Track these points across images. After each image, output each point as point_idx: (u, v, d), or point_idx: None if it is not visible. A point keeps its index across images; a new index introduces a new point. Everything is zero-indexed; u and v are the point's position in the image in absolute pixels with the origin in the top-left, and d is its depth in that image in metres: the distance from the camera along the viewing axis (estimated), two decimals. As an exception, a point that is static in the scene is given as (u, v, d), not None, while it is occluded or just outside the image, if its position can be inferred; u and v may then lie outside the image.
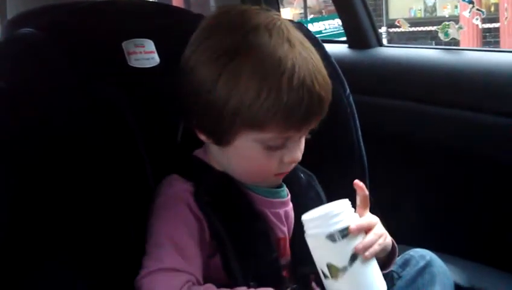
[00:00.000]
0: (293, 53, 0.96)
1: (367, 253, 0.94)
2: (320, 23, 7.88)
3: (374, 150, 1.39)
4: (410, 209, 1.77)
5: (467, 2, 1.95)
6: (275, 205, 1.07)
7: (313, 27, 7.25)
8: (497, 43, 8.84)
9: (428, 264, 1.09)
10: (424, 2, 10.71)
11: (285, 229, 1.07)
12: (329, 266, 0.94)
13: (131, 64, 1.12)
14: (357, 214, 0.99)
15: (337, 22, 7.08)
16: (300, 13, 10.49)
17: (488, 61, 1.76)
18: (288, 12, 9.87)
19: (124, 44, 1.12)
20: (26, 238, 0.94)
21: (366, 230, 0.98)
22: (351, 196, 1.06)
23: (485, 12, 2.07)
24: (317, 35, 1.33)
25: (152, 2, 1.54)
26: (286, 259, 1.06)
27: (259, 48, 0.96)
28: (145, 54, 1.14)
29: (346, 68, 1.36)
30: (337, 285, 0.94)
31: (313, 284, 1.08)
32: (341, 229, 0.94)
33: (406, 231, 1.41)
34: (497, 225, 1.63)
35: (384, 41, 2.14)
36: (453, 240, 1.64)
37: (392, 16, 10.27)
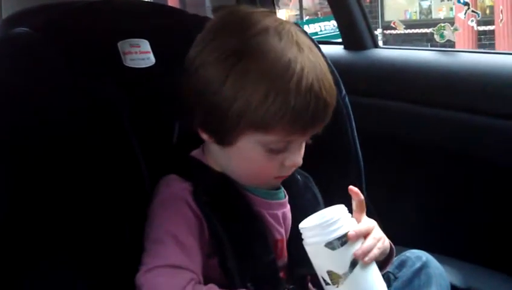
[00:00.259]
0: (301, 57, 0.96)
1: (366, 258, 0.95)
2: (316, 24, 7.90)
3: (370, 151, 1.39)
4: (407, 210, 1.77)
5: (462, 3, 1.95)
6: (273, 207, 1.06)
7: (308, 29, 7.27)
8: (492, 46, 8.86)
9: (424, 266, 1.09)
10: (420, 4, 10.74)
11: (282, 230, 1.07)
12: (330, 273, 0.94)
13: (126, 64, 1.12)
14: (354, 219, 0.99)
15: (333, 23, 7.09)
16: (296, 15, 10.50)
17: (484, 63, 1.76)
18: (283, 14, 9.88)
19: (119, 44, 1.12)
20: (23, 238, 0.94)
21: (365, 235, 0.98)
22: (348, 197, 1.06)
23: (480, 14, 2.07)
24: (313, 37, 1.33)
25: (147, 2, 1.54)
26: (283, 260, 1.06)
27: (268, 50, 0.95)
28: (141, 54, 1.14)
29: (341, 69, 1.36)
30: None
31: (310, 286, 1.08)
32: (340, 236, 0.94)
33: (402, 232, 1.41)
34: (494, 226, 1.63)
35: (380, 43, 2.14)
36: (449, 241, 1.64)
37: (387, 18, 10.29)
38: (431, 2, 10.44)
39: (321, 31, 7.72)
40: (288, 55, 0.95)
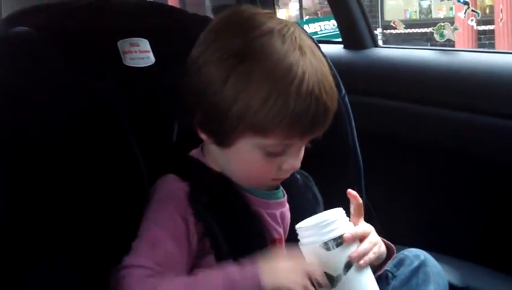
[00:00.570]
0: (303, 61, 0.96)
1: (361, 261, 0.95)
2: (316, 24, 7.90)
3: (370, 151, 1.39)
4: (405, 209, 1.78)
5: (462, 3, 1.95)
6: (271, 206, 1.06)
7: (308, 28, 7.27)
8: (492, 45, 8.85)
9: (422, 264, 1.09)
10: (420, 4, 10.73)
11: (281, 230, 1.07)
12: (324, 274, 0.94)
13: (126, 64, 1.12)
14: (351, 223, 1.00)
15: (333, 23, 7.10)
16: (296, 14, 10.49)
17: (484, 62, 1.76)
18: (283, 14, 9.87)
19: (119, 43, 1.12)
20: (23, 238, 0.93)
21: (361, 238, 0.98)
22: (346, 196, 1.06)
23: (480, 14, 2.07)
24: (313, 37, 1.33)
25: (147, 1, 1.54)
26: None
27: (271, 52, 0.95)
28: (140, 53, 1.14)
29: (341, 69, 1.36)
30: None
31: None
32: (335, 237, 0.94)
33: (400, 231, 1.41)
34: (492, 225, 1.64)
35: (380, 42, 2.14)
36: (447, 240, 1.64)
37: (387, 18, 10.29)
38: (431, 1, 10.44)
39: (321, 30, 7.72)
40: (290, 58, 0.95)
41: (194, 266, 0.98)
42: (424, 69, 1.80)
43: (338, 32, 2.09)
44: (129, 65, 1.12)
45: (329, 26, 7.51)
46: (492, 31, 8.97)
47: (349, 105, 1.37)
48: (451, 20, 2.38)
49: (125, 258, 0.95)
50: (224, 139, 0.99)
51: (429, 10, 10.66)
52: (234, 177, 1.03)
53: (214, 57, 0.97)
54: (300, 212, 1.08)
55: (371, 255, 0.98)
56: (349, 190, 1.05)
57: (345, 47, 2.04)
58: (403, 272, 1.09)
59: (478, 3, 8.51)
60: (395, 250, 1.11)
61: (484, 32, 9.05)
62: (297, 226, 0.98)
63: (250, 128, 0.95)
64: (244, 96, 0.94)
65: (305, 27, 6.76)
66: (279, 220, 1.07)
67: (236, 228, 1.01)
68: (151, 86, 1.13)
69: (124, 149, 1.05)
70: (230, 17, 1.03)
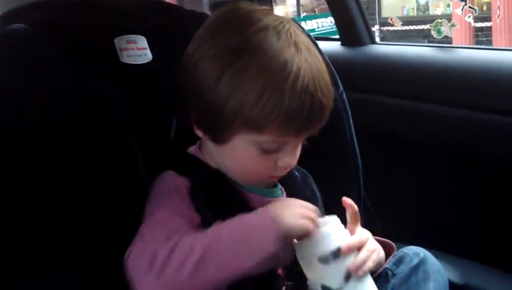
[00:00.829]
0: (299, 57, 0.96)
1: (360, 272, 0.95)
2: (313, 21, 7.90)
3: (368, 147, 1.39)
4: (404, 206, 1.78)
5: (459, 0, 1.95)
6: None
7: (305, 25, 7.27)
8: (489, 42, 8.87)
9: (422, 262, 1.09)
10: (417, 1, 10.74)
11: (279, 228, 1.07)
12: (324, 288, 0.94)
13: (123, 61, 1.12)
14: (347, 232, 0.99)
15: (330, 20, 7.10)
16: (293, 11, 10.49)
17: (481, 59, 1.76)
18: (281, 11, 9.87)
19: (116, 40, 1.12)
20: (23, 238, 0.93)
21: (358, 247, 0.98)
22: (344, 193, 1.06)
23: (477, 10, 2.07)
24: (310, 34, 1.33)
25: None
26: (281, 257, 1.06)
27: (265, 49, 0.95)
28: (138, 50, 1.14)
29: (339, 66, 1.36)
30: None
31: (308, 282, 1.08)
32: (333, 251, 0.94)
33: (399, 229, 1.41)
34: (492, 223, 1.64)
35: (377, 39, 2.14)
36: (447, 237, 1.64)
37: (384, 15, 10.30)
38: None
39: (318, 27, 7.73)
40: (285, 54, 0.95)
41: None
42: (422, 65, 1.80)
43: (335, 29, 2.08)
44: (126, 62, 1.12)
45: (327, 23, 7.51)
46: (489, 28, 8.99)
47: (347, 102, 1.37)
48: (448, 17, 2.37)
49: (130, 246, 0.93)
50: (219, 136, 0.99)
51: (426, 7, 10.68)
52: (230, 174, 1.03)
53: (209, 54, 0.97)
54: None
55: (369, 264, 0.97)
56: (344, 198, 1.05)
57: (342, 44, 2.04)
58: (403, 270, 1.09)
59: (475, 0, 8.51)
60: (394, 248, 1.11)
61: (481, 29, 9.07)
62: (294, 241, 0.96)
63: (245, 124, 0.95)
64: (239, 93, 0.94)
65: (303, 24, 6.75)
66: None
67: None
68: (150, 85, 1.13)
69: (123, 149, 1.05)
70: (227, 14, 1.03)
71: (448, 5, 9.73)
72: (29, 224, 0.94)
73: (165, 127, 1.14)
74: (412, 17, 10.53)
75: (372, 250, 1.00)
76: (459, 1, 1.95)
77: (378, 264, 1.03)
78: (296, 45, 0.97)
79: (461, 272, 1.27)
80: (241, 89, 0.94)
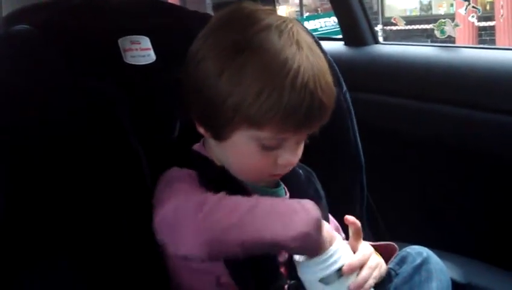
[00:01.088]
0: (300, 55, 0.96)
1: None
2: (316, 21, 7.90)
3: (371, 147, 1.39)
4: (407, 206, 1.78)
5: (463, -1, 1.95)
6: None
7: (308, 25, 7.27)
8: (492, 42, 8.85)
9: (425, 261, 1.09)
10: (420, 1, 10.72)
11: (282, 227, 1.07)
12: None
13: (127, 61, 1.12)
14: (349, 249, 0.99)
15: (333, 20, 7.10)
16: (296, 11, 10.48)
17: (484, 58, 1.76)
18: (284, 10, 9.86)
19: (119, 41, 1.12)
20: (23, 238, 0.94)
21: (360, 266, 0.99)
22: (348, 192, 1.06)
23: (481, 10, 2.07)
24: (313, 33, 1.33)
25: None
26: (284, 256, 1.06)
27: (266, 46, 0.95)
28: (141, 50, 1.14)
29: (342, 66, 1.36)
30: None
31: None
32: (334, 271, 0.94)
33: (402, 228, 1.41)
34: (494, 222, 1.63)
35: (380, 39, 2.14)
36: (449, 236, 1.64)
37: (387, 14, 10.28)
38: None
39: (321, 27, 7.72)
40: (286, 52, 0.95)
41: None
42: (425, 65, 1.80)
43: (339, 29, 2.09)
44: (130, 63, 1.12)
45: (330, 23, 7.51)
46: (492, 28, 8.96)
47: (350, 101, 1.37)
48: (451, 17, 2.37)
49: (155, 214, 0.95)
50: (220, 133, 1.00)
51: (429, 7, 10.66)
52: (232, 171, 1.03)
53: (211, 53, 0.98)
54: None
55: (370, 282, 0.98)
56: (347, 216, 1.05)
57: (345, 44, 2.04)
58: (406, 269, 1.09)
59: (479, 0, 8.50)
60: (397, 249, 1.11)
61: (485, 28, 9.04)
62: (295, 258, 0.97)
63: (244, 121, 0.96)
64: (239, 90, 0.94)
65: (306, 24, 6.76)
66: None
67: None
68: (151, 85, 1.13)
69: (124, 149, 1.05)
70: (231, 13, 1.03)
71: (451, 5, 9.71)
72: (30, 224, 0.94)
73: (166, 127, 1.14)
74: (415, 16, 10.51)
75: (374, 267, 1.01)
76: (463, 1, 1.95)
77: (380, 279, 1.04)
78: (297, 43, 0.97)
79: (464, 271, 1.27)
80: (240, 86, 0.94)
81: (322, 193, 1.16)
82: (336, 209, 1.18)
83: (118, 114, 1.07)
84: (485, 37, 9.18)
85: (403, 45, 2.09)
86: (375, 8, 10.23)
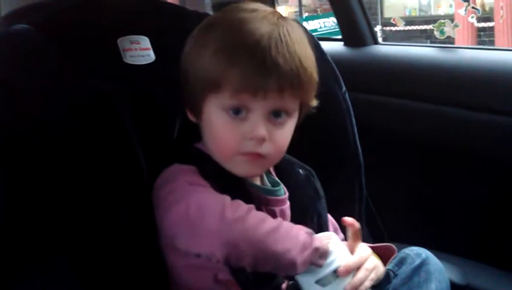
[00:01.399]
0: (271, 29, 0.97)
1: None
2: (316, 21, 7.91)
3: (370, 147, 1.39)
4: (406, 206, 1.78)
5: (462, 0, 1.95)
6: (271, 203, 1.06)
7: (308, 25, 7.28)
8: (491, 43, 8.86)
9: (424, 263, 1.09)
10: (419, 1, 10.73)
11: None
12: None
13: (126, 61, 1.12)
14: (346, 250, 1.00)
15: (332, 20, 7.11)
16: (296, 11, 10.49)
17: (484, 59, 1.76)
18: (283, 11, 9.87)
19: (119, 41, 1.12)
20: (22, 237, 0.94)
21: (357, 267, 0.99)
22: (346, 192, 1.06)
23: (480, 11, 2.07)
24: (312, 34, 1.33)
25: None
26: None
27: (238, 23, 0.99)
28: (141, 50, 1.14)
29: (342, 66, 1.36)
30: None
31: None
32: (330, 272, 0.94)
33: (401, 229, 1.41)
34: (494, 223, 1.63)
35: (379, 40, 2.14)
36: (449, 238, 1.64)
37: (387, 15, 10.29)
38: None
39: (321, 27, 7.73)
40: (256, 25, 0.97)
41: None
42: (424, 66, 1.80)
43: (338, 29, 2.08)
44: (129, 63, 1.12)
45: (329, 23, 7.51)
46: (492, 28, 8.98)
47: (349, 102, 1.37)
48: (451, 17, 2.37)
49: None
50: (196, 110, 1.03)
51: (429, 7, 10.67)
52: (211, 153, 1.03)
53: (203, 50, 1.00)
54: (300, 207, 1.09)
55: (366, 284, 0.99)
56: (345, 218, 1.06)
57: (345, 44, 2.04)
58: (405, 270, 1.09)
59: (478, 1, 8.51)
60: (396, 251, 1.11)
61: (484, 29, 9.06)
62: None
63: (205, 86, 0.98)
64: (200, 59, 0.99)
65: (305, 24, 6.76)
66: (278, 218, 1.06)
67: None
68: (150, 84, 1.13)
69: (124, 148, 1.05)
70: (224, 12, 1.05)
71: (451, 5, 9.72)
72: (30, 222, 0.94)
73: (166, 126, 1.14)
74: (414, 17, 10.53)
75: (371, 269, 1.01)
76: (462, 1, 1.95)
77: (378, 281, 1.04)
78: (277, 25, 0.99)
79: (463, 272, 1.27)
80: (202, 56, 0.98)
81: (321, 192, 1.16)
82: (335, 209, 1.18)
83: (117, 114, 1.07)
84: (484, 37, 9.20)
85: (403, 46, 2.09)
86: (373, 8, 10.24)
